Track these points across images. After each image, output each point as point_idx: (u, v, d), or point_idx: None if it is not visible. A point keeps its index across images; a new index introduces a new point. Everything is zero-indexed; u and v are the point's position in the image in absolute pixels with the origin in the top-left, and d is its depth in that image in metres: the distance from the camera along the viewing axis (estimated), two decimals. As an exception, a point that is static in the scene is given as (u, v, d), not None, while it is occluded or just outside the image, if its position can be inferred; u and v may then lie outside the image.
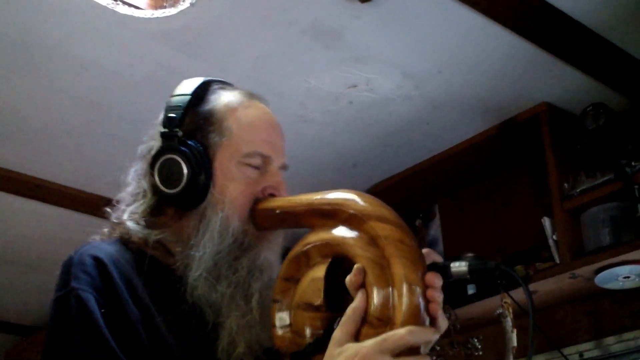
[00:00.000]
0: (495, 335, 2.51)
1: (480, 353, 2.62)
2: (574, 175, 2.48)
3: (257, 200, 1.16)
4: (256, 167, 1.17)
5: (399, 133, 2.77)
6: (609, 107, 2.47)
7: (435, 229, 3.09)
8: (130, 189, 1.22)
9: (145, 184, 1.20)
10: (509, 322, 2.30)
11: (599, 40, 2.30)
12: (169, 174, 1.16)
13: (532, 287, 2.48)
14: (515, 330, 2.29)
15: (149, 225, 1.17)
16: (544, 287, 2.51)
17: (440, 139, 2.81)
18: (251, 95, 1.24)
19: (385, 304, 0.95)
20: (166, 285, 1.11)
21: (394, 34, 2.25)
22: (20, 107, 2.53)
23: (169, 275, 1.12)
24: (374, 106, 2.61)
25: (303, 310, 1.04)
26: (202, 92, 1.22)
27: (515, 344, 2.28)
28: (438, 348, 2.59)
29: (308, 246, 1.06)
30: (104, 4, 2.10)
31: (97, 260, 1.09)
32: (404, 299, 0.94)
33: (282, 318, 1.06)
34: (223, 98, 1.22)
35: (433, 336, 0.95)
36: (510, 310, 2.32)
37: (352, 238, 1.01)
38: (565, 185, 2.47)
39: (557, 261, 2.46)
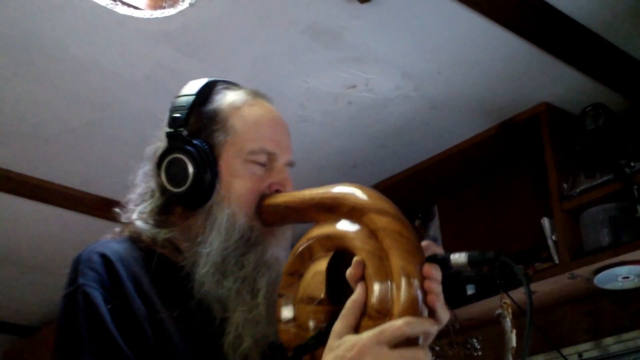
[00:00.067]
0: (494, 335, 2.52)
1: (480, 353, 2.62)
2: (573, 176, 2.48)
3: (263, 197, 1.18)
4: (262, 164, 1.19)
5: (398, 133, 2.77)
6: (609, 108, 2.47)
7: (434, 230, 3.09)
8: (138, 189, 1.24)
9: (152, 184, 1.22)
10: (508, 322, 2.30)
11: (599, 40, 2.30)
12: (175, 173, 1.18)
13: (531, 287, 2.48)
14: (514, 331, 2.29)
15: (157, 224, 1.19)
16: (543, 288, 2.51)
17: (440, 139, 2.81)
18: (256, 94, 1.26)
19: (384, 296, 0.96)
20: (174, 282, 1.13)
21: (394, 34, 2.26)
22: (20, 107, 2.53)
23: (177, 273, 1.14)
24: (373, 106, 2.61)
25: (306, 304, 1.05)
26: (206, 92, 1.23)
27: (514, 344, 2.28)
28: (437, 348, 2.60)
29: (311, 240, 1.07)
30: (103, 4, 2.10)
31: (104, 257, 1.11)
32: (401, 290, 0.95)
33: (287, 312, 1.07)
34: (228, 97, 1.23)
35: (431, 327, 0.95)
36: (510, 310, 2.32)
37: (353, 231, 1.02)
38: (565, 185, 2.47)
39: (557, 261, 2.46)
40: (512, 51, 2.33)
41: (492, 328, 2.55)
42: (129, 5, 2.13)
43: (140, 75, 2.39)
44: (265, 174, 1.19)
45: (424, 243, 1.01)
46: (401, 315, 0.94)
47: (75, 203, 3.06)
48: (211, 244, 1.13)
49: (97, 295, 1.06)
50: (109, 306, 1.06)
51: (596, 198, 2.39)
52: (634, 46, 2.36)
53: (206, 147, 1.18)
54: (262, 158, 1.19)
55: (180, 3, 2.12)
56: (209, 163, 1.17)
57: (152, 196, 1.21)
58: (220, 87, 1.25)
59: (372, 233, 1.00)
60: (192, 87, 1.24)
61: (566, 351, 2.56)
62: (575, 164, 2.52)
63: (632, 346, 2.50)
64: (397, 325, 0.92)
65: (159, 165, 1.20)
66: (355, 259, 1.00)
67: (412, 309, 0.94)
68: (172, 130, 1.20)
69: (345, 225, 1.04)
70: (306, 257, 1.07)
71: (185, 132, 1.19)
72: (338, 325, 0.97)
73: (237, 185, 1.17)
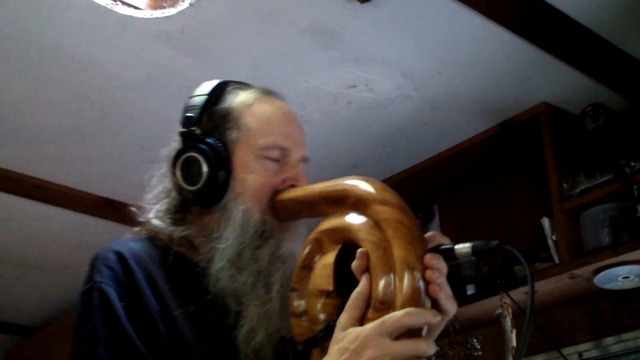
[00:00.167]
0: (494, 335, 2.52)
1: (480, 353, 2.62)
2: (573, 176, 2.48)
3: (276, 192, 1.19)
4: (275, 160, 1.20)
5: (398, 133, 2.77)
6: (608, 108, 2.47)
7: (434, 229, 3.08)
8: (155, 190, 1.26)
9: (168, 184, 1.24)
10: (508, 322, 2.30)
11: (599, 40, 2.30)
12: (189, 171, 1.19)
13: (531, 287, 2.48)
14: (514, 331, 2.29)
15: (174, 222, 1.21)
16: (543, 288, 2.51)
17: (440, 139, 2.81)
18: (268, 92, 1.28)
19: (387, 287, 0.96)
20: (189, 279, 1.15)
21: (394, 34, 2.26)
22: (20, 107, 2.53)
23: (192, 269, 1.16)
24: (373, 106, 2.61)
25: (316, 297, 1.05)
26: (219, 92, 1.25)
27: (514, 344, 2.28)
28: (437, 348, 2.59)
29: (319, 234, 1.08)
30: (103, 4, 2.10)
31: (119, 255, 1.13)
32: (403, 281, 0.94)
33: (299, 306, 1.07)
34: (240, 96, 1.25)
35: (433, 318, 0.94)
36: (510, 310, 2.32)
37: (359, 223, 1.03)
38: (565, 185, 2.47)
39: (557, 261, 2.46)
40: (512, 51, 2.33)
41: (492, 328, 2.55)
42: (129, 5, 2.13)
43: (140, 75, 2.39)
44: (279, 169, 1.20)
45: (429, 234, 1.01)
46: (403, 306, 0.93)
47: (75, 203, 3.06)
48: (227, 239, 1.15)
49: (112, 293, 1.09)
50: (123, 303, 1.08)
51: (596, 198, 2.39)
52: (634, 46, 2.36)
53: (219, 145, 1.19)
54: (275, 153, 1.20)
55: (180, 3, 2.12)
56: (222, 160, 1.18)
57: (168, 195, 1.23)
58: (232, 86, 1.27)
59: (376, 224, 1.00)
60: (205, 87, 1.26)
61: (566, 351, 2.56)
62: (575, 164, 2.52)
63: (632, 346, 2.50)
64: (397, 316, 0.93)
65: (173, 164, 1.22)
66: (359, 250, 1.00)
67: (414, 300, 0.94)
68: (185, 129, 1.22)
69: (352, 218, 1.04)
70: (316, 250, 1.08)
71: (198, 131, 1.21)
72: (343, 318, 0.98)
73: (250, 181, 1.18)
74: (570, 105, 2.59)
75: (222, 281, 1.13)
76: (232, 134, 1.21)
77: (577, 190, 2.43)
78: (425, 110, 2.64)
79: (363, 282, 0.98)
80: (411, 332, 0.93)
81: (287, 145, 1.21)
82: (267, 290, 1.13)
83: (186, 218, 1.21)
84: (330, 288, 1.04)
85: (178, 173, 1.21)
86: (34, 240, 3.35)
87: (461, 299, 2.65)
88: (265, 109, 1.24)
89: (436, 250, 0.98)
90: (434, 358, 2.59)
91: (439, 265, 0.96)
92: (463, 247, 0.98)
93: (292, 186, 1.20)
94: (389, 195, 1.02)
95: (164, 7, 2.14)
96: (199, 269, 1.15)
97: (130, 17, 2.15)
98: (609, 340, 2.55)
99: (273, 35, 2.25)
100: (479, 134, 2.76)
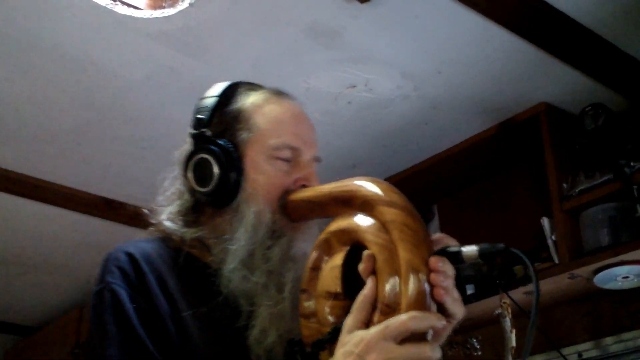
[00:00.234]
0: (494, 335, 2.51)
1: (479, 353, 2.62)
2: (573, 176, 2.48)
3: (288, 192, 1.19)
4: (286, 160, 1.20)
5: (398, 133, 2.77)
6: (608, 108, 2.47)
7: (434, 229, 3.09)
8: (167, 192, 1.26)
9: (180, 186, 1.24)
10: (507, 322, 2.30)
11: (599, 40, 2.30)
12: (201, 173, 1.20)
13: (531, 287, 2.48)
14: (514, 331, 2.29)
15: (186, 224, 1.21)
16: (543, 288, 2.50)
17: (440, 139, 2.81)
18: (279, 93, 1.29)
19: (392, 290, 0.95)
20: (201, 280, 1.15)
21: (393, 34, 2.26)
22: (20, 107, 2.53)
23: (204, 270, 1.16)
24: (373, 106, 2.61)
25: (324, 299, 1.04)
26: (229, 93, 1.25)
27: (514, 344, 2.28)
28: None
29: (328, 235, 1.08)
30: (103, 4, 2.10)
31: (130, 256, 1.14)
32: (407, 284, 0.94)
33: (308, 307, 1.07)
34: (250, 97, 1.25)
35: (437, 322, 0.94)
36: (509, 310, 2.32)
37: (366, 225, 1.02)
38: (564, 185, 2.47)
39: (556, 261, 2.46)
40: (512, 51, 2.33)
41: (492, 328, 2.55)
42: (129, 5, 2.13)
43: (140, 75, 2.39)
44: (290, 169, 1.20)
45: (436, 236, 1.00)
46: (408, 309, 0.93)
47: (75, 203, 3.06)
48: (239, 240, 1.15)
49: (122, 293, 1.10)
50: (134, 304, 1.09)
51: (596, 198, 2.39)
52: (634, 46, 2.36)
53: (231, 146, 1.19)
54: (286, 153, 1.20)
55: (180, 3, 2.12)
56: (233, 161, 1.18)
57: (180, 197, 1.23)
58: (243, 88, 1.27)
59: (383, 226, 1.00)
60: (216, 89, 1.26)
61: (566, 351, 2.56)
62: (575, 163, 2.52)
63: (632, 346, 2.50)
64: (401, 320, 0.92)
65: (185, 166, 1.22)
66: (365, 252, 1.00)
67: (418, 304, 0.93)
68: (196, 131, 1.22)
69: (359, 219, 1.04)
70: (325, 252, 1.08)
71: (209, 133, 1.21)
72: (349, 320, 0.97)
73: (262, 181, 1.18)
74: (570, 105, 2.59)
75: (234, 282, 1.13)
76: (243, 135, 1.20)
77: (577, 190, 2.43)
78: (425, 110, 2.64)
79: (369, 284, 0.98)
80: (416, 336, 0.92)
81: (297, 145, 1.21)
82: (280, 291, 1.13)
83: (198, 220, 1.22)
84: (338, 290, 1.03)
85: (190, 175, 1.21)
86: (34, 240, 3.35)
87: (461, 298, 2.65)
88: (275, 109, 1.24)
89: (442, 252, 0.97)
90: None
91: (444, 268, 0.95)
92: (470, 250, 0.98)
93: (304, 186, 1.19)
94: (396, 196, 1.02)
95: (164, 7, 2.14)
96: (211, 270, 1.15)
97: (130, 17, 2.15)
98: (609, 340, 2.55)
99: (273, 35, 2.25)
100: (479, 134, 2.76)
